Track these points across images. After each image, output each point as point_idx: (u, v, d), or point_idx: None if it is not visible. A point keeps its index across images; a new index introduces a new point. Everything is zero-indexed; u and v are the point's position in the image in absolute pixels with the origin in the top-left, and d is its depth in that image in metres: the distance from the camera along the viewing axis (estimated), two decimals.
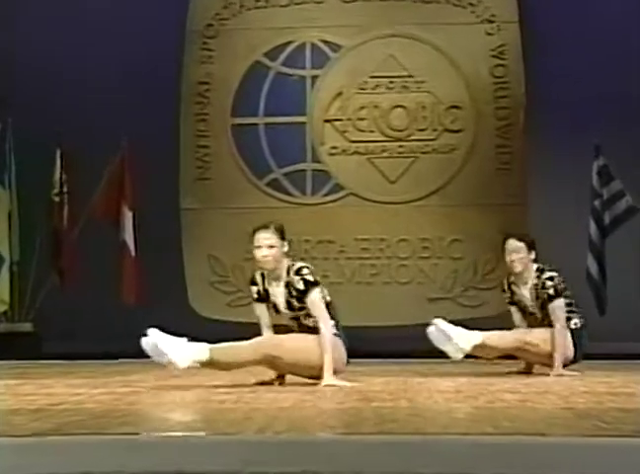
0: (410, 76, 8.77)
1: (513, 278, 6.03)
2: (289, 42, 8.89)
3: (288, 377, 5.13)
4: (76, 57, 8.75)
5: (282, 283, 5.06)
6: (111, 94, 8.62)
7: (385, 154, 8.79)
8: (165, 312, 8.31)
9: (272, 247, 5.06)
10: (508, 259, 5.96)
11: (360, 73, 8.79)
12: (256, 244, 5.09)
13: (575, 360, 5.96)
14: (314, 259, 8.68)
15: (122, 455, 2.69)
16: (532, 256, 5.96)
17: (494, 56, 8.72)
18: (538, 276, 5.92)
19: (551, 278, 5.89)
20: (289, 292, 5.04)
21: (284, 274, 5.05)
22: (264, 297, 5.14)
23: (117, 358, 7.47)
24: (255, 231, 5.14)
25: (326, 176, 8.86)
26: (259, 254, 5.07)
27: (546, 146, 8.39)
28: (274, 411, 3.72)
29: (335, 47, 8.87)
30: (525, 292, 6.00)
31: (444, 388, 4.80)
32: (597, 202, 8.30)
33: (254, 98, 8.86)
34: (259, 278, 5.16)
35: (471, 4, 8.75)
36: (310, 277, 5.01)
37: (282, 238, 5.14)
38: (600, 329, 7.89)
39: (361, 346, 7.82)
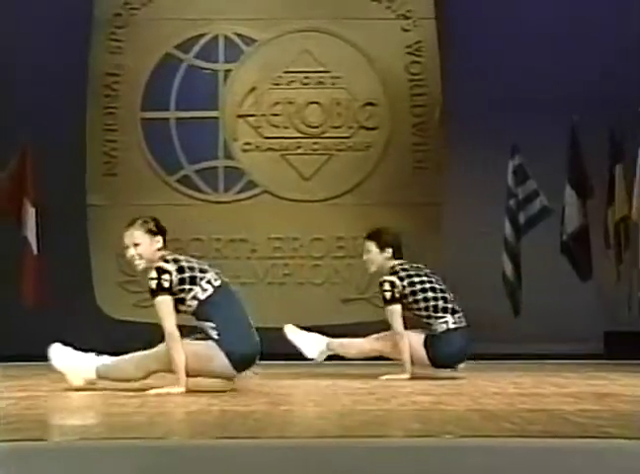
0: (325, 72, 8.80)
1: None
2: (202, 35, 8.82)
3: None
4: None
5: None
6: (12, 85, 8.46)
7: (300, 151, 8.80)
8: (72, 313, 8.21)
9: (137, 245, 4.87)
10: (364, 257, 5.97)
11: (275, 68, 8.78)
12: (124, 244, 4.93)
13: (438, 364, 5.82)
14: (226, 258, 8.67)
15: (14, 463, 2.64)
16: (386, 254, 5.88)
17: (410, 53, 8.79)
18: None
19: (387, 283, 5.80)
20: None
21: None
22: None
23: (19, 361, 7.33)
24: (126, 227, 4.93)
25: (239, 173, 8.82)
26: (127, 254, 4.93)
27: (463, 145, 8.49)
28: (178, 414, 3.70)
29: (249, 41, 8.83)
30: None
31: (355, 391, 4.83)
32: (512, 202, 8.45)
33: (165, 91, 8.76)
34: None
35: None
36: (154, 285, 4.78)
37: (153, 233, 4.95)
38: (514, 330, 8.08)
39: (273, 348, 7.87)
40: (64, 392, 4.80)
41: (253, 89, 8.81)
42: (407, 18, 8.79)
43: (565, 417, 3.55)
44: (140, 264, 4.89)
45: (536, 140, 8.21)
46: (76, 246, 8.41)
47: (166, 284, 4.77)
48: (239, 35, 8.84)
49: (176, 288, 4.80)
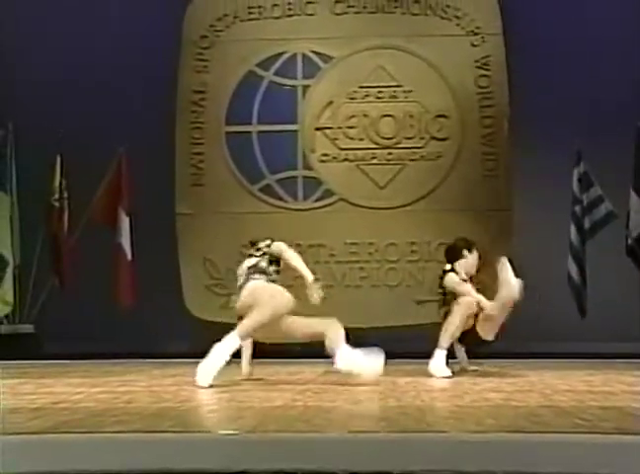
0: (398, 86, 8.79)
1: None
2: (282, 53, 8.90)
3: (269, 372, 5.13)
4: (76, 65, 8.77)
5: None
6: (110, 101, 8.64)
7: (374, 161, 8.81)
8: (162, 314, 8.35)
9: None
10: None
11: (350, 83, 8.81)
12: None
13: None
14: (305, 262, 8.67)
15: (118, 453, 2.69)
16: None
17: (478, 67, 8.74)
18: None
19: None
20: None
21: None
22: None
23: (114, 358, 7.47)
24: None
25: (317, 182, 8.87)
26: None
27: (530, 153, 8.42)
28: (265, 409, 3.73)
29: (325, 58, 8.88)
30: None
31: (431, 388, 4.81)
32: (577, 208, 8.33)
33: (247, 106, 8.86)
34: None
35: (457, 16, 8.78)
36: None
37: None
38: (581, 330, 7.97)
39: (352, 346, 7.88)
40: (161, 387, 4.88)
41: (330, 103, 8.85)
42: (475, 34, 8.74)
43: (636, 414, 3.49)
44: None
45: (601, 147, 8.09)
46: (166, 252, 8.54)
47: None
48: (316, 52, 8.89)
49: None
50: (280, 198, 8.88)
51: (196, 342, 8.41)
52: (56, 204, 8.64)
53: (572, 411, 3.60)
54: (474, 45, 8.75)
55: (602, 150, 8.10)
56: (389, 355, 7.37)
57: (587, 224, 8.35)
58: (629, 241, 8.28)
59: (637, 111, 8.10)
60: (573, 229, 8.31)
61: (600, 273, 8.18)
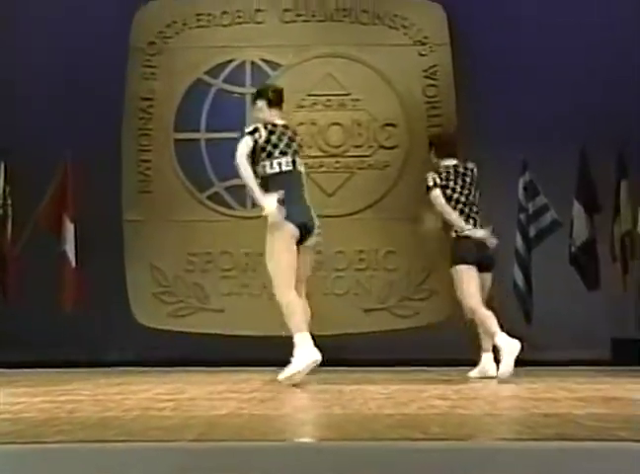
0: (347, 94, 8.83)
1: None
2: (230, 61, 8.89)
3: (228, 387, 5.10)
4: (19, 71, 8.65)
5: None
6: (55, 107, 8.54)
7: (322, 169, 8.82)
8: (108, 322, 8.27)
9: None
10: None
11: (299, 91, 8.81)
12: None
13: None
14: (255, 271, 8.69)
15: (60, 464, 2.65)
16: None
17: (426, 76, 8.82)
18: None
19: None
20: None
21: None
22: None
23: (59, 367, 7.38)
24: None
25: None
26: None
27: (476, 162, 8.48)
28: (210, 418, 3.70)
29: (274, 66, 8.89)
30: None
31: (377, 396, 4.82)
32: (522, 216, 8.43)
33: (196, 114, 8.83)
34: None
35: (405, 26, 8.84)
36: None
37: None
38: (526, 337, 8.04)
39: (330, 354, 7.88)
40: (106, 396, 4.82)
41: None
42: (423, 44, 8.82)
43: (577, 421, 3.53)
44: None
45: (546, 156, 8.20)
46: (113, 259, 8.46)
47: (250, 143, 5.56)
48: (265, 60, 8.90)
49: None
50: (229, 206, 8.85)
51: (142, 350, 8.39)
52: (0, 212, 8.51)
53: (516, 418, 3.63)
54: (422, 55, 8.83)
55: (547, 159, 8.20)
56: (336, 363, 7.42)
57: (532, 232, 8.45)
58: (572, 249, 8.41)
59: (581, 120, 8.22)
60: (519, 237, 8.40)
61: (545, 280, 8.27)
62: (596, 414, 3.78)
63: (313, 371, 6.92)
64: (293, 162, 5.67)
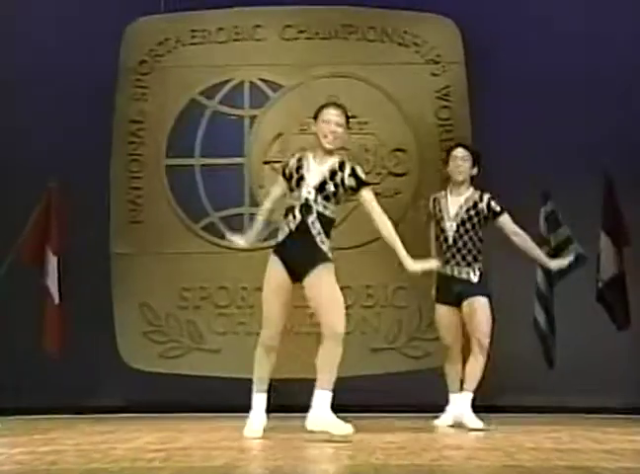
0: (352, 117, 8.78)
1: (443, 193, 6.23)
2: (227, 81, 8.91)
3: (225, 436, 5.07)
4: (3, 96, 8.68)
5: (328, 166, 5.38)
6: (40, 132, 8.57)
7: None
8: (93, 364, 8.24)
9: (339, 126, 5.30)
10: (452, 165, 6.21)
11: (301, 114, 8.82)
12: (325, 118, 5.25)
13: None
14: (251, 307, 8.67)
15: None
16: (474, 171, 6.18)
17: (439, 98, 8.83)
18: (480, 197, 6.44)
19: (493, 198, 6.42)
20: (332, 177, 5.40)
21: (334, 162, 5.38)
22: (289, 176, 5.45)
23: (40, 414, 7.35)
24: (324, 106, 5.45)
25: (265, 220, 8.83)
26: (327, 129, 5.13)
27: (493, 191, 8.49)
28: (205, 470, 3.69)
29: (275, 86, 8.92)
30: (451, 208, 6.39)
31: (386, 444, 4.80)
32: (544, 249, 8.40)
33: (190, 138, 8.85)
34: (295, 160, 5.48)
35: (416, 44, 8.87)
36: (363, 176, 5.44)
37: (347, 124, 5.50)
38: (548, 381, 8.01)
39: (301, 399, 7.85)
40: (91, 445, 4.80)
41: (279, 135, 8.88)
42: (436, 63, 8.84)
43: None
44: (337, 143, 5.45)
45: (570, 186, 8.20)
46: (99, 295, 8.45)
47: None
48: (264, 80, 8.93)
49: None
50: (226, 238, 8.83)
51: (131, 394, 8.36)
52: None
53: (537, 471, 3.61)
54: (434, 75, 8.85)
55: (571, 189, 8.20)
56: (342, 409, 7.39)
57: None
58: (599, 285, 8.38)
59: (606, 148, 8.23)
60: (540, 272, 8.37)
61: (569, 319, 8.24)
62: (627, 468, 3.76)
63: None
64: None
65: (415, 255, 5.84)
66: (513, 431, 5.75)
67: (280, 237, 5.53)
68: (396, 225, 8.70)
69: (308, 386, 8.05)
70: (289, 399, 7.63)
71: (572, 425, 6.27)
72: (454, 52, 8.78)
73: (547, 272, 8.38)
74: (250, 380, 8.22)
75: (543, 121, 8.47)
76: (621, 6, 8.47)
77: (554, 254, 8.41)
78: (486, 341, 6.26)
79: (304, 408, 7.09)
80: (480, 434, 5.56)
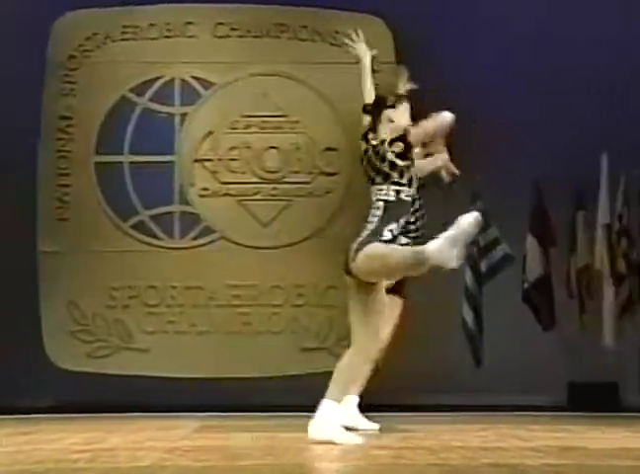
0: (284, 116, 8.86)
1: None
2: (158, 78, 8.85)
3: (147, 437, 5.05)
4: None
5: None
6: None
7: (258, 196, 8.83)
8: (19, 364, 8.13)
9: None
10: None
11: (233, 112, 8.83)
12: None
13: None
14: (182, 306, 8.65)
15: None
16: None
17: None
18: None
19: None
20: None
21: None
22: None
23: None
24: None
25: (195, 218, 8.82)
26: None
27: (426, 191, 8.55)
28: (131, 471, 3.67)
29: (206, 84, 8.88)
30: None
31: (314, 444, 4.81)
32: (473, 250, 8.51)
33: (119, 135, 8.77)
34: None
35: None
36: None
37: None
38: (475, 380, 8.11)
39: (230, 398, 7.85)
40: (15, 446, 4.74)
41: (210, 133, 8.85)
42: None
43: (529, 472, 3.56)
44: None
45: (498, 187, 8.30)
46: (25, 294, 8.35)
47: None
48: (196, 78, 8.89)
49: None
50: (155, 236, 8.80)
51: (58, 394, 8.26)
52: None
53: (463, 469, 3.65)
54: None
55: (499, 190, 8.30)
56: (271, 408, 7.41)
57: (483, 267, 8.53)
58: (525, 286, 8.51)
59: (536, 150, 8.36)
60: (469, 273, 8.48)
61: (496, 319, 8.35)
62: (551, 465, 3.82)
63: (243, 417, 6.90)
64: None
65: None
66: (440, 429, 5.81)
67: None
68: (327, 224, 8.86)
69: (260, 385, 8.12)
70: (240, 398, 7.67)
71: (499, 423, 6.35)
72: (386, 53, 8.80)
73: (476, 272, 8.50)
74: (180, 379, 8.24)
75: (474, 122, 8.55)
76: (563, 6, 8.56)
77: (483, 254, 8.54)
78: None
79: (256, 407, 7.14)
80: (407, 433, 5.61)
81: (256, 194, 8.84)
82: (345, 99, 8.84)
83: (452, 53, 8.58)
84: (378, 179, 5.16)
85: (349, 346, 5.22)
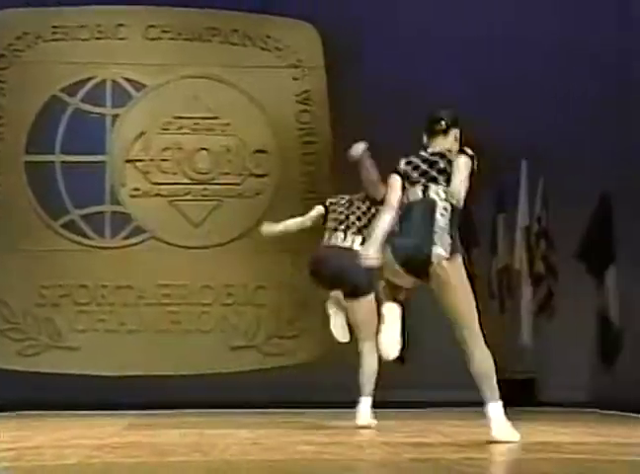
0: (215, 118, 8.78)
1: None
2: (90, 78, 8.73)
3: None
4: None
5: None
6: None
7: (189, 197, 8.74)
8: None
9: None
10: None
11: (164, 113, 8.73)
12: None
13: None
14: (112, 305, 8.53)
15: None
16: None
17: (300, 101, 8.86)
18: None
19: None
20: None
21: None
22: None
23: None
24: None
25: (126, 218, 8.70)
26: None
27: (353, 192, 8.54)
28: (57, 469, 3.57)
29: (138, 86, 8.78)
30: None
31: (242, 440, 4.76)
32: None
33: (50, 134, 8.62)
34: None
35: (277, 48, 8.87)
36: None
37: None
38: (399, 377, 8.11)
39: (160, 396, 7.75)
40: None
41: (141, 134, 8.74)
42: (297, 67, 8.87)
43: (451, 466, 3.55)
44: None
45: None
46: None
47: None
48: (127, 79, 8.78)
49: None
50: (86, 235, 8.66)
51: None
52: None
53: (385, 464, 3.63)
54: (295, 79, 8.87)
55: None
56: (201, 405, 7.32)
57: None
58: None
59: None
60: None
61: (421, 318, 8.36)
62: (470, 458, 3.82)
63: (173, 414, 6.81)
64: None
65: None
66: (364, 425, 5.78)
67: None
68: (256, 225, 8.79)
69: (190, 383, 8.02)
70: (170, 396, 7.58)
71: (422, 419, 6.36)
72: (315, 57, 8.81)
73: None
74: (110, 377, 8.11)
75: (402, 126, 8.54)
76: (495, 12, 8.59)
77: None
78: None
79: (185, 404, 7.03)
80: (333, 430, 5.58)
81: (187, 194, 8.75)
82: (274, 103, 8.82)
83: (381, 58, 8.58)
84: None
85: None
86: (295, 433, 5.24)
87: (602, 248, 8.62)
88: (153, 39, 8.81)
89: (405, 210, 4.87)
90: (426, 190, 4.89)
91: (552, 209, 8.68)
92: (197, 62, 8.80)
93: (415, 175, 4.94)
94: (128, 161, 8.72)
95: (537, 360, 8.47)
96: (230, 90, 8.81)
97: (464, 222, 8.51)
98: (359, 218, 6.09)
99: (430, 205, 4.84)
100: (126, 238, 8.73)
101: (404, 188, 4.90)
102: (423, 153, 5.06)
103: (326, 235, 6.11)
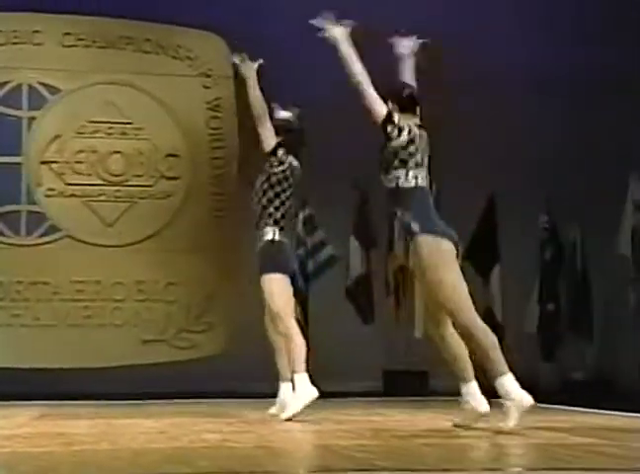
0: (128, 123, 8.74)
1: None
2: (6, 82, 8.60)
3: None
4: None
5: None
6: None
7: (102, 198, 8.69)
8: None
9: None
10: None
11: (79, 117, 8.65)
12: None
13: None
14: (27, 300, 8.43)
15: None
16: None
17: (210, 109, 8.89)
18: None
19: None
20: None
21: None
22: None
23: None
24: None
25: (41, 217, 8.60)
26: None
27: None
28: None
29: (53, 90, 8.68)
30: None
31: (148, 429, 4.77)
32: (301, 250, 8.62)
33: None
34: None
35: (189, 57, 8.88)
36: None
37: None
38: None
39: (73, 388, 7.68)
40: None
41: (57, 137, 8.65)
42: (207, 76, 8.90)
43: (341, 452, 3.64)
44: None
45: (325, 193, 8.41)
46: None
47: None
48: (43, 84, 8.68)
49: None
50: (2, 233, 8.54)
51: None
52: None
53: (284, 449, 3.70)
54: (206, 87, 8.89)
55: (327, 195, 8.42)
56: (112, 396, 7.29)
57: (311, 266, 8.66)
58: (348, 283, 8.69)
59: (358, 155, 8.46)
60: (297, 270, 8.55)
61: (322, 314, 8.46)
62: (362, 445, 3.91)
63: (84, 405, 6.77)
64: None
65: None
66: (266, 416, 5.83)
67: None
68: (168, 225, 8.78)
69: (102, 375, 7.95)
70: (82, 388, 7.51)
71: (321, 409, 6.43)
72: (224, 67, 8.80)
73: (303, 271, 8.59)
74: (22, 370, 7.99)
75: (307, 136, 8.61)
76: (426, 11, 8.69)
77: (310, 254, 8.67)
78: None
79: (97, 396, 6.96)
80: (238, 419, 5.63)
81: (100, 195, 8.69)
82: (185, 109, 8.84)
83: (290, 69, 8.62)
84: None
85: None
86: (200, 421, 5.28)
87: (489, 248, 8.83)
88: (68, 46, 8.72)
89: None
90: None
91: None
92: (111, 69, 8.74)
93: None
94: (44, 162, 8.63)
95: (430, 353, 8.60)
96: (143, 96, 8.78)
97: (363, 224, 8.75)
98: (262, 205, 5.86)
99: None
100: (42, 236, 8.63)
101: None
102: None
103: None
